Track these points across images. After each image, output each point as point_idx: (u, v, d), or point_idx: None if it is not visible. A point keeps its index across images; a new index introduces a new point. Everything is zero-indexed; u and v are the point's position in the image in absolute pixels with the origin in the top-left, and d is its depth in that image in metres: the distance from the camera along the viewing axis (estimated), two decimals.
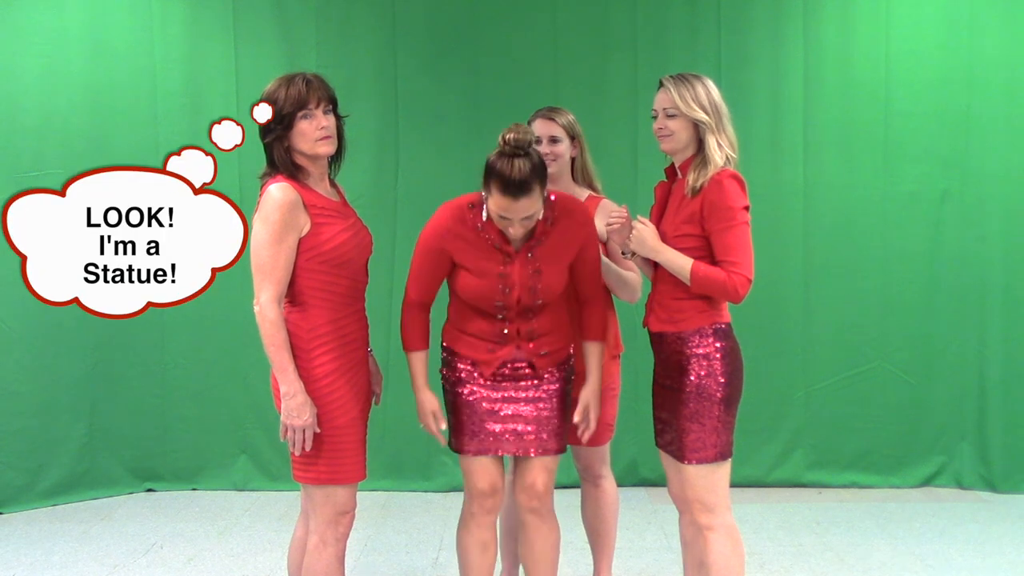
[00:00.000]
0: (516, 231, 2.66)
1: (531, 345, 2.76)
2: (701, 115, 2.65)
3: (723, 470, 2.72)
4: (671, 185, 2.80)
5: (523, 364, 2.78)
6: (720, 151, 2.64)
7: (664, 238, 2.70)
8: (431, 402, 2.84)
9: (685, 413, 2.68)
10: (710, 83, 2.71)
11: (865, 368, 4.80)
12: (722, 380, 2.66)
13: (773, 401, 4.78)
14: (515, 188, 2.56)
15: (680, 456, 2.71)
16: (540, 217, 2.69)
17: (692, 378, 2.66)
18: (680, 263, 2.64)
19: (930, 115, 4.70)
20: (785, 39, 4.74)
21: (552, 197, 2.78)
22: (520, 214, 2.61)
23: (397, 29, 4.75)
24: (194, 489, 4.82)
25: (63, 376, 4.62)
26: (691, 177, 2.67)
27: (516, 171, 2.55)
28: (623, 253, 2.86)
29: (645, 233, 2.68)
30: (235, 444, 4.84)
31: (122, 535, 4.21)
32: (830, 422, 4.81)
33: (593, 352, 2.87)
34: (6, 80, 4.48)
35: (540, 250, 2.73)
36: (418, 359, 2.85)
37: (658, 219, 2.80)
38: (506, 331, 2.76)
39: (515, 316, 2.75)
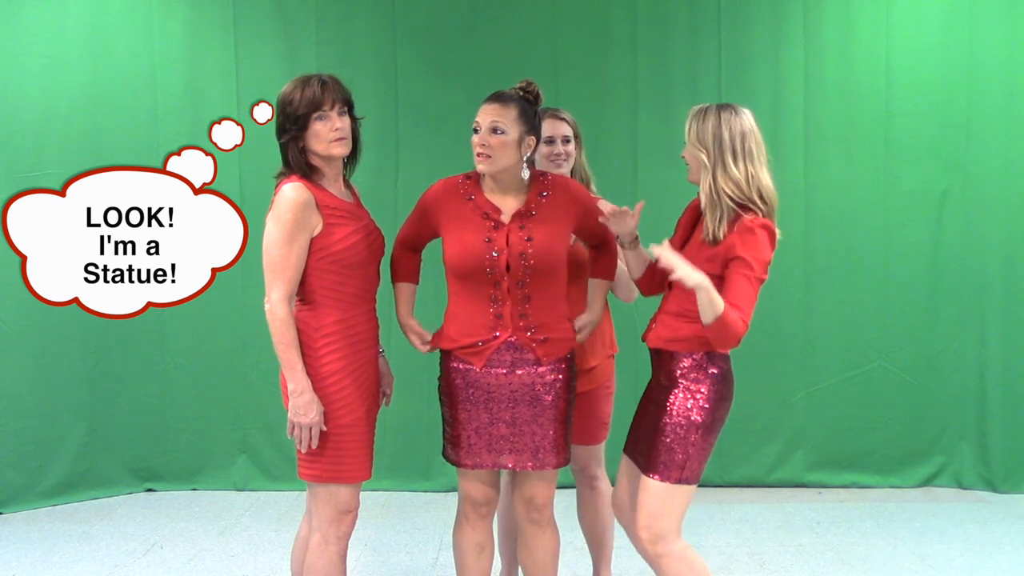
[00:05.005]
0: (482, 141, 2.66)
1: (527, 333, 2.70)
2: (696, 151, 2.59)
3: (682, 495, 2.64)
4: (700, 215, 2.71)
5: (521, 353, 2.71)
6: (723, 189, 2.54)
7: None
8: (414, 328, 2.90)
9: (661, 429, 2.63)
10: (730, 115, 2.58)
11: (865, 368, 4.79)
12: (706, 406, 2.62)
13: (773, 401, 4.78)
14: (494, 95, 2.69)
15: (644, 468, 2.66)
16: (511, 145, 2.66)
17: (677, 398, 2.63)
18: (716, 300, 2.45)
19: (930, 115, 4.69)
20: (785, 39, 4.73)
21: (548, 176, 2.81)
22: (488, 116, 2.66)
23: (397, 29, 4.75)
24: (194, 489, 4.81)
25: (63, 376, 4.61)
26: (708, 221, 2.58)
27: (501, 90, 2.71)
28: (620, 242, 2.81)
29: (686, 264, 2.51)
30: (235, 444, 4.84)
31: (122, 535, 4.21)
32: (830, 422, 4.81)
33: (599, 287, 2.92)
34: (6, 80, 4.47)
35: (531, 220, 2.72)
36: (403, 289, 2.93)
37: (683, 238, 2.74)
38: (500, 315, 2.71)
39: (507, 294, 2.70)
